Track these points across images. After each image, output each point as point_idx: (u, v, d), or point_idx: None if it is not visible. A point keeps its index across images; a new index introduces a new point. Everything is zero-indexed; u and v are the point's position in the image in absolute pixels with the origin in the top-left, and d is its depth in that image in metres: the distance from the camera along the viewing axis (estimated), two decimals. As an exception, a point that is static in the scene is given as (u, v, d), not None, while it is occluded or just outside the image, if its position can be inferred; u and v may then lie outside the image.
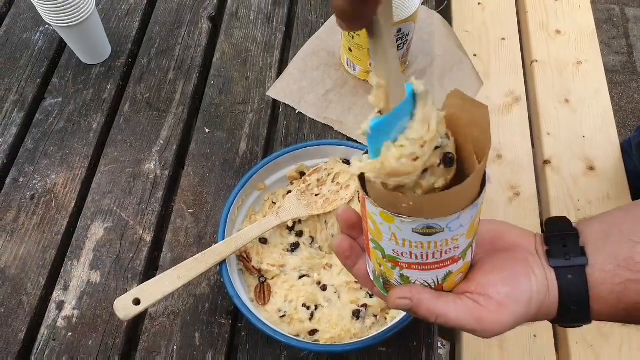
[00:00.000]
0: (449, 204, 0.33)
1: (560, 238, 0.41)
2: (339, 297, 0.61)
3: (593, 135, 1.12)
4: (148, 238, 0.70)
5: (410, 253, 0.36)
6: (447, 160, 0.34)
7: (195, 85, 0.83)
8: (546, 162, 1.10)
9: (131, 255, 0.69)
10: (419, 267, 0.38)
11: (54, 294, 0.66)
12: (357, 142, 0.73)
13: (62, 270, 0.67)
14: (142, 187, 0.74)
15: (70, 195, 0.73)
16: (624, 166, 1.07)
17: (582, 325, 0.42)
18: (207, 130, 0.78)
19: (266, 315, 0.60)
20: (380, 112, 0.34)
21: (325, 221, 0.68)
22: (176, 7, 0.90)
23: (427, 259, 0.37)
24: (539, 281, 0.39)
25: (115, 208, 0.72)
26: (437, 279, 0.39)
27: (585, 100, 1.17)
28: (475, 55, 1.24)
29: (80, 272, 0.67)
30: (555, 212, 1.03)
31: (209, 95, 0.81)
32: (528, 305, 0.39)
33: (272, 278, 0.64)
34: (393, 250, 0.37)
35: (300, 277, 0.64)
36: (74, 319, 0.64)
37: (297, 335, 0.58)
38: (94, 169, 0.75)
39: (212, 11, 0.90)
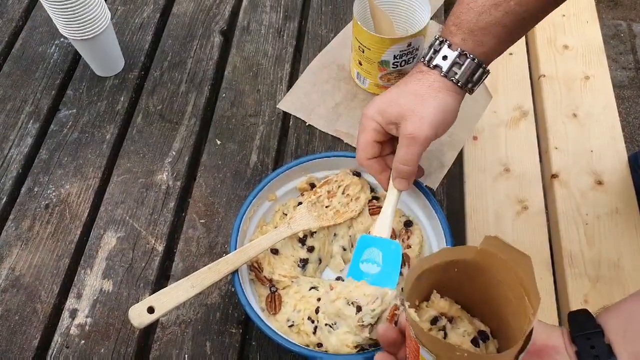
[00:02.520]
0: (508, 357, 0.36)
1: (586, 337, 0.42)
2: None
3: (601, 150, 1.12)
4: (160, 248, 0.71)
5: None
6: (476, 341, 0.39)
7: (207, 98, 0.84)
8: (554, 176, 1.10)
9: (143, 264, 0.70)
10: None
11: (67, 302, 0.67)
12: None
13: (75, 279, 0.68)
14: (154, 197, 0.75)
15: (84, 205, 0.74)
16: (632, 181, 1.07)
17: None
18: (218, 142, 0.79)
19: (277, 325, 0.60)
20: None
21: (335, 233, 0.69)
22: (188, 21, 0.92)
23: None
24: None
25: (127, 218, 0.73)
26: None
27: (593, 114, 1.17)
28: (482, 69, 1.25)
29: (93, 281, 0.68)
30: (563, 226, 1.03)
31: (221, 108, 0.83)
32: None
33: (284, 288, 0.64)
34: None
35: (311, 288, 0.64)
36: (87, 327, 0.65)
37: (307, 346, 0.58)
38: (107, 180, 0.76)
39: (223, 25, 0.92)
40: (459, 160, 1.16)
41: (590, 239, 1.01)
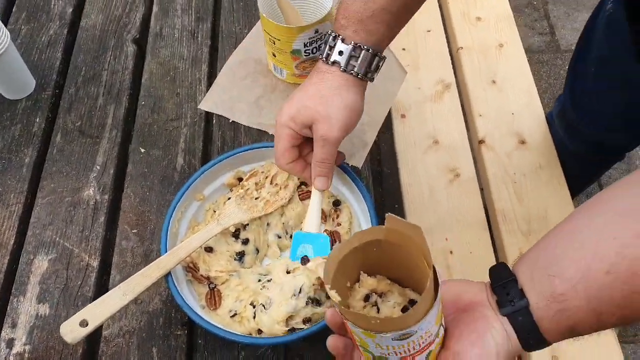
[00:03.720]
0: (415, 316, 0.39)
1: (503, 286, 0.47)
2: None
3: (521, 111, 1.18)
4: (95, 263, 0.70)
5: (395, 352, 0.42)
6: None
7: (126, 108, 0.83)
8: (481, 141, 1.15)
9: (79, 282, 0.69)
10: (405, 359, 0.43)
11: (3, 333, 0.65)
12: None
13: (8, 308, 0.67)
14: (83, 214, 0.74)
15: (9, 233, 0.72)
16: (551, 137, 1.13)
17: (549, 346, 0.47)
18: (142, 150, 0.79)
19: (217, 319, 0.61)
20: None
21: (268, 223, 0.70)
22: (99, 33, 0.91)
23: (410, 352, 0.42)
24: (499, 332, 0.45)
25: (57, 238, 0.72)
26: None
27: (510, 79, 1.23)
28: (403, 49, 1.29)
29: (28, 307, 0.67)
30: (494, 187, 1.08)
31: (141, 116, 0.82)
32: (496, 357, 0.45)
33: (223, 283, 0.65)
34: (380, 353, 0.43)
35: (258, 280, 0.65)
36: (26, 355, 0.64)
37: (250, 334, 0.59)
38: (31, 203, 0.75)
39: (135, 34, 0.91)
40: (391, 139, 1.19)
41: (519, 197, 1.06)
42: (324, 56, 0.62)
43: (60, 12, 0.93)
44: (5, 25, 0.87)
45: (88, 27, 0.91)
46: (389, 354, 0.42)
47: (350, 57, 0.61)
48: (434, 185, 1.08)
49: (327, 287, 0.41)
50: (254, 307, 0.59)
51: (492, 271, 0.49)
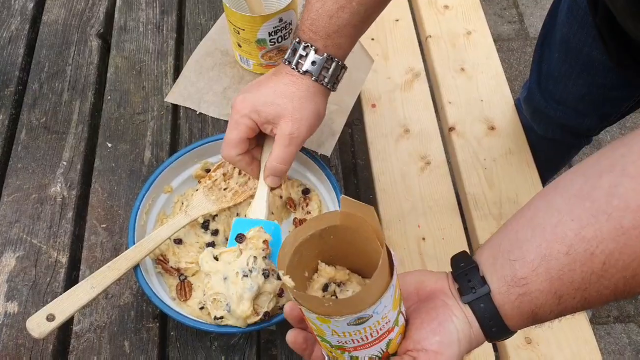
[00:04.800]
0: (369, 296, 0.39)
1: (464, 274, 0.47)
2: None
3: (490, 98, 1.19)
4: (64, 259, 0.69)
5: (352, 339, 0.42)
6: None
7: (92, 103, 0.82)
8: (451, 129, 1.16)
9: (48, 279, 0.68)
10: (363, 347, 0.43)
11: (-30, 332, 0.64)
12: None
13: (-25, 307, 0.66)
14: (50, 210, 0.73)
15: (-25, 231, 0.71)
16: (520, 122, 1.14)
17: (512, 336, 0.48)
18: (109, 145, 0.78)
19: (188, 310, 0.61)
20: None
21: (237, 213, 0.70)
22: (61, 28, 0.89)
23: (368, 339, 0.42)
24: (460, 320, 0.46)
25: (24, 236, 0.71)
26: (382, 350, 0.44)
27: (479, 66, 1.24)
28: (372, 39, 1.29)
29: (-4, 305, 0.66)
30: (465, 173, 1.09)
31: (107, 111, 0.81)
32: (458, 344, 0.45)
33: (193, 275, 0.65)
34: (338, 341, 0.42)
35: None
36: (-5, 353, 0.63)
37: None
38: (-4, 201, 0.74)
39: (99, 28, 0.90)
40: (362, 129, 1.20)
41: (490, 182, 1.08)
42: (293, 63, 0.62)
43: (21, 8, 0.91)
44: (-35, 22, 0.85)
45: (50, 22, 0.90)
46: (346, 342, 0.42)
47: (322, 68, 0.62)
48: (406, 172, 1.09)
49: (281, 272, 0.41)
50: (216, 319, 0.58)
51: (454, 260, 0.49)
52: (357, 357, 0.44)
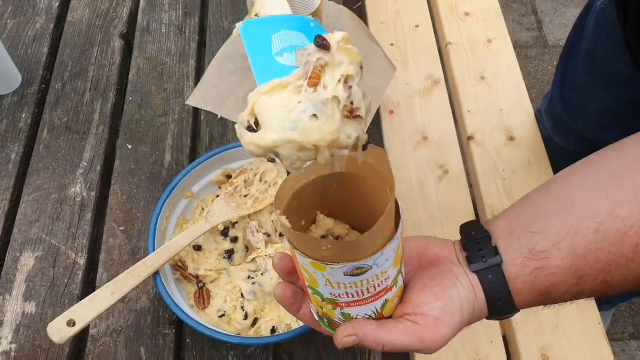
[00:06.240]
0: (372, 243, 0.36)
1: (475, 242, 0.44)
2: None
3: (509, 107, 1.18)
4: (81, 261, 0.69)
5: (347, 293, 0.39)
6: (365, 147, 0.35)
7: (113, 104, 0.82)
8: (469, 137, 1.15)
9: (66, 280, 0.68)
10: (357, 304, 0.40)
11: (-12, 331, 0.64)
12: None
13: (-6, 306, 0.66)
14: (69, 211, 0.73)
15: (-5, 229, 0.71)
16: (540, 133, 1.13)
17: (513, 315, 0.45)
18: (129, 147, 0.78)
19: (206, 318, 0.60)
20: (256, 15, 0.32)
21: (258, 221, 0.69)
22: (85, 28, 0.89)
23: (363, 295, 0.39)
24: (465, 288, 0.42)
25: (44, 236, 0.71)
26: (376, 309, 0.41)
27: (499, 75, 1.23)
28: (392, 44, 1.29)
29: (14, 305, 0.66)
30: (483, 183, 1.08)
31: (128, 112, 0.81)
32: (460, 313, 0.42)
33: (212, 282, 0.65)
34: (330, 294, 0.39)
35: (248, 277, 0.64)
36: (12, 353, 0.63)
37: (238, 334, 0.59)
38: (17, 200, 0.74)
39: (122, 28, 0.90)
40: (379, 135, 1.19)
41: (508, 193, 1.06)
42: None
43: (46, 7, 0.91)
44: (-11, 19, 0.86)
45: (75, 21, 0.90)
46: (339, 295, 0.39)
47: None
48: (424, 181, 1.08)
49: (277, 212, 0.37)
50: (244, 309, 0.57)
51: (464, 228, 0.46)
52: (348, 315, 0.41)
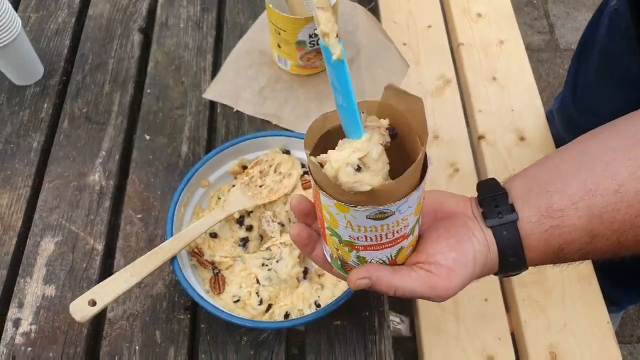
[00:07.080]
0: (398, 190, 0.36)
1: (492, 199, 0.45)
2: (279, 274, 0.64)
3: (521, 108, 1.19)
4: (100, 247, 0.71)
5: (366, 237, 0.39)
6: (392, 134, 0.37)
7: (132, 96, 0.84)
8: (480, 137, 1.16)
9: (84, 265, 0.70)
10: (374, 248, 0.41)
11: (10, 313, 0.66)
12: (295, 132, 0.76)
13: (15, 289, 0.68)
14: (88, 199, 0.75)
15: (17, 215, 0.73)
16: (550, 134, 1.14)
17: (520, 273, 0.46)
18: (147, 138, 0.80)
19: (222, 304, 0.62)
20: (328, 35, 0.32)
21: (273, 211, 0.71)
22: (106, 22, 0.91)
23: (381, 240, 0.39)
24: (480, 242, 0.43)
25: (63, 222, 0.73)
26: (391, 256, 0.42)
27: (511, 76, 1.24)
28: (404, 44, 1.30)
29: (35, 288, 0.68)
30: (493, 182, 1.09)
31: (147, 104, 0.83)
32: (473, 265, 0.43)
33: (227, 268, 0.66)
34: (349, 236, 0.40)
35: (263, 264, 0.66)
36: (32, 334, 0.65)
37: (253, 319, 0.60)
38: (38, 187, 0.76)
39: (142, 23, 0.92)
40: (391, 133, 1.20)
41: (518, 192, 1.07)
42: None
43: (68, 1, 0.93)
44: (13, 12, 0.88)
45: (95, 15, 0.92)
46: (358, 238, 0.39)
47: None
48: (434, 179, 1.10)
49: (307, 152, 0.37)
50: (259, 295, 0.59)
51: (480, 185, 0.47)
52: (363, 259, 0.42)
